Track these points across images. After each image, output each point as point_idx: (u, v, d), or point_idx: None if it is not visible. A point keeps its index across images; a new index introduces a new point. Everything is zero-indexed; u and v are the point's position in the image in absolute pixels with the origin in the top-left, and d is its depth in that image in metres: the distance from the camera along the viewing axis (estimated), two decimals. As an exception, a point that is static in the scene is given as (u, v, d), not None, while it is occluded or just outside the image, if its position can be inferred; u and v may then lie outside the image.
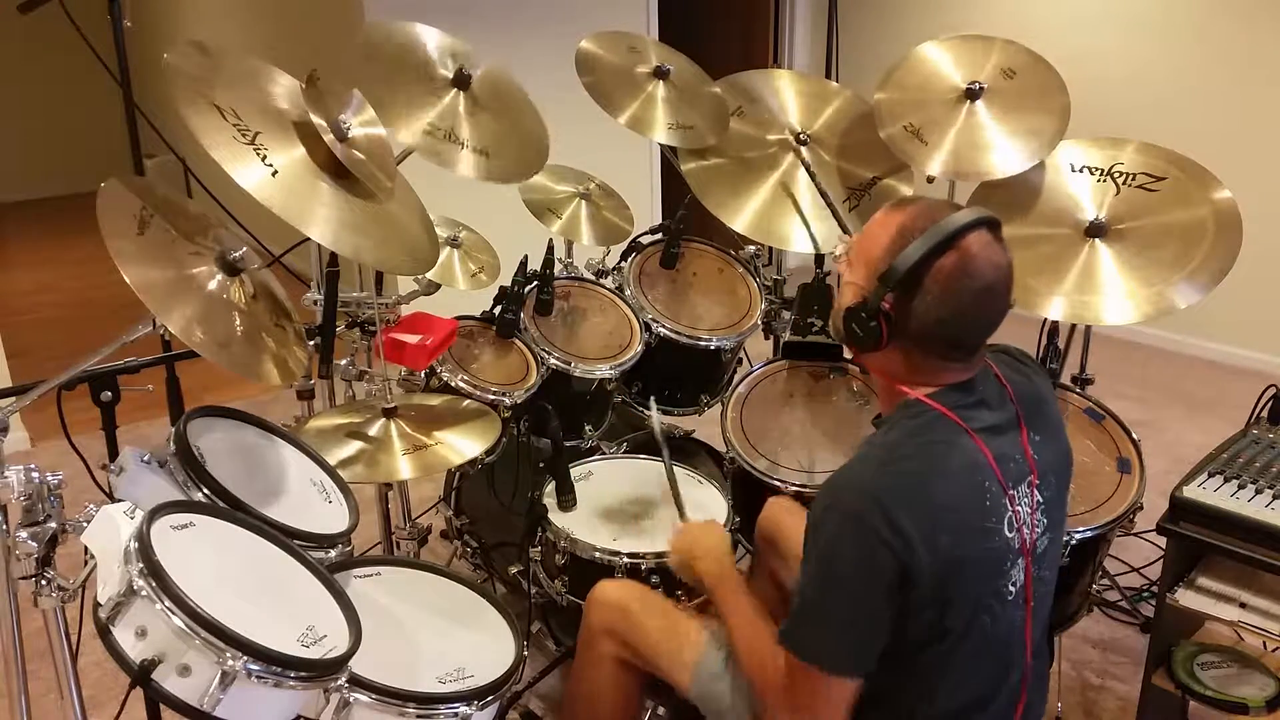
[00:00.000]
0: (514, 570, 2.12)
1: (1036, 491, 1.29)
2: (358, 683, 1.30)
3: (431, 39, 2.10)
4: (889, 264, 1.22)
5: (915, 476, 1.21)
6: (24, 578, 1.29)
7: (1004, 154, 2.17)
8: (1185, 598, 1.80)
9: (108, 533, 1.19)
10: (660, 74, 2.39)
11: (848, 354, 2.33)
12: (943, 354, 1.26)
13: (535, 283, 2.31)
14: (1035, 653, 1.35)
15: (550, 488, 2.00)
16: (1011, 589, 1.27)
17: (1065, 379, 2.26)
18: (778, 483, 2.03)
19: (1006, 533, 1.25)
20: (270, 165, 1.43)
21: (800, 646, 1.25)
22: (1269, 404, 2.00)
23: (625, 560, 1.85)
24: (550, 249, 2.30)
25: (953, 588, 1.21)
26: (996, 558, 1.25)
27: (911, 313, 1.23)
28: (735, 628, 1.45)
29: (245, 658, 1.11)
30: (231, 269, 1.43)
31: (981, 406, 1.27)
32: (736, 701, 1.49)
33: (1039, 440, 1.32)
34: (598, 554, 1.86)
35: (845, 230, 2.22)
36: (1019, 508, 1.26)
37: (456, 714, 1.37)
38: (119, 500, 1.26)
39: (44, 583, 1.29)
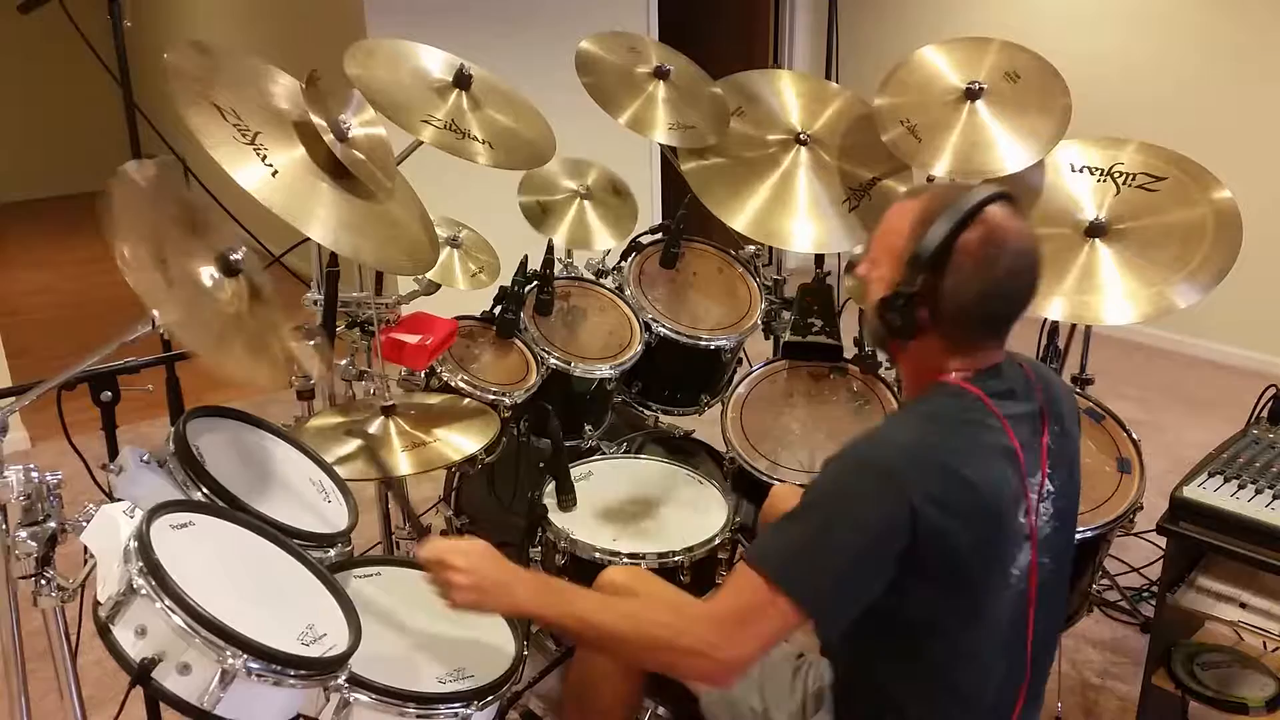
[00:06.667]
0: (514, 570, 2.12)
1: (1048, 481, 1.30)
2: (358, 682, 1.30)
3: (425, 53, 2.10)
4: (915, 249, 1.22)
5: (951, 451, 1.20)
6: (24, 577, 1.29)
7: (1006, 151, 2.17)
8: (1185, 598, 1.80)
9: (107, 532, 1.19)
10: (660, 74, 2.39)
11: (848, 354, 2.33)
12: (981, 330, 1.26)
13: (535, 283, 2.31)
14: (1040, 643, 1.35)
15: (550, 488, 2.00)
16: (1016, 572, 1.28)
17: (1065, 379, 2.25)
18: (778, 483, 2.03)
19: (1020, 519, 1.26)
20: (270, 165, 1.43)
21: (775, 570, 1.18)
22: (1269, 404, 2.00)
23: (625, 561, 1.85)
24: (550, 249, 2.30)
25: (964, 569, 1.21)
26: (1011, 543, 1.26)
27: (946, 293, 1.22)
28: (601, 610, 1.30)
29: (245, 656, 1.11)
30: (231, 269, 1.43)
31: (1011, 396, 1.28)
32: (750, 696, 1.48)
33: (1058, 431, 1.33)
34: (598, 554, 1.86)
35: None
36: (1033, 495, 1.27)
37: (456, 714, 1.36)
38: (119, 500, 1.26)
39: (44, 582, 1.29)
